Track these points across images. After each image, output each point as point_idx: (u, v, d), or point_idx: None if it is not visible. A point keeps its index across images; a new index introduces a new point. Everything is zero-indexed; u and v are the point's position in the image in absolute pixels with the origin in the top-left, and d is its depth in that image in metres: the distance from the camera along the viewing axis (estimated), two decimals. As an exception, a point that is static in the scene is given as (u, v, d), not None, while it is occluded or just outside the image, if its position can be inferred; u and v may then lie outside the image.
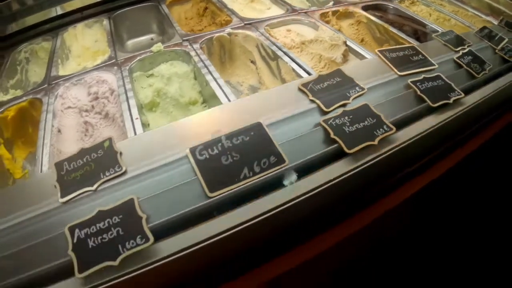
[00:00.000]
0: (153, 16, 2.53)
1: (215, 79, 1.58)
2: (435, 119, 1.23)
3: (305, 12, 2.20)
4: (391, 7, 2.31)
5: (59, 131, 1.56)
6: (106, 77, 1.75)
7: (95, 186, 0.98)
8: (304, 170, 1.03)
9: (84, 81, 1.77)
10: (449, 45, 1.65)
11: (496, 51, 1.72)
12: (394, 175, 1.21)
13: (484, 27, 1.85)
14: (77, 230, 0.88)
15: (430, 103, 1.26)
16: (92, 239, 0.87)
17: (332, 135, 1.07)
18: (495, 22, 2.08)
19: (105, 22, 2.37)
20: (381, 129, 1.11)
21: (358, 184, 1.09)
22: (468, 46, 1.66)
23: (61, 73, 1.91)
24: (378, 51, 1.47)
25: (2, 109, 1.73)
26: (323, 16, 2.18)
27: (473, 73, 1.51)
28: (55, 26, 2.43)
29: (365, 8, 2.26)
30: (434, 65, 1.46)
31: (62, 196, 0.98)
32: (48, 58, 2.17)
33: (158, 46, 1.87)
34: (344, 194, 1.08)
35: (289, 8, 2.27)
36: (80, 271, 0.83)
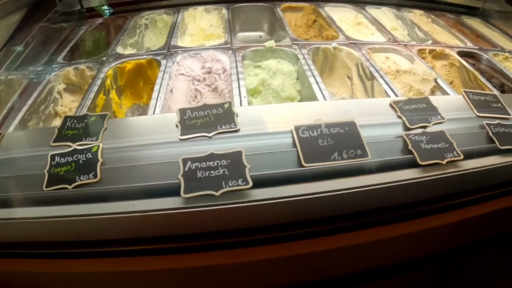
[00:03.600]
0: (266, 16, 2.76)
1: (317, 83, 1.73)
2: (500, 159, 1.32)
3: (405, 45, 2.31)
4: (485, 57, 2.35)
5: (171, 91, 1.80)
6: (221, 57, 1.98)
7: (211, 134, 1.19)
8: (381, 168, 1.19)
9: (200, 56, 2.01)
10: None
11: None
12: (451, 197, 1.33)
13: None
14: (189, 162, 1.08)
15: (498, 145, 1.35)
16: (201, 171, 1.06)
17: (409, 147, 1.23)
18: None
19: (224, 11, 2.63)
20: (450, 154, 1.24)
21: (420, 192, 1.24)
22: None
23: (179, 44, 2.16)
24: (463, 90, 1.58)
25: (121, 61, 1.99)
26: (420, 52, 2.29)
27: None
28: (178, 4, 2.73)
29: (460, 54, 2.32)
30: (510, 115, 1.53)
31: (181, 135, 1.19)
32: (166, 29, 2.44)
33: (271, 43, 2.06)
34: (407, 196, 1.23)
35: (391, 38, 2.40)
36: (185, 192, 1.02)
